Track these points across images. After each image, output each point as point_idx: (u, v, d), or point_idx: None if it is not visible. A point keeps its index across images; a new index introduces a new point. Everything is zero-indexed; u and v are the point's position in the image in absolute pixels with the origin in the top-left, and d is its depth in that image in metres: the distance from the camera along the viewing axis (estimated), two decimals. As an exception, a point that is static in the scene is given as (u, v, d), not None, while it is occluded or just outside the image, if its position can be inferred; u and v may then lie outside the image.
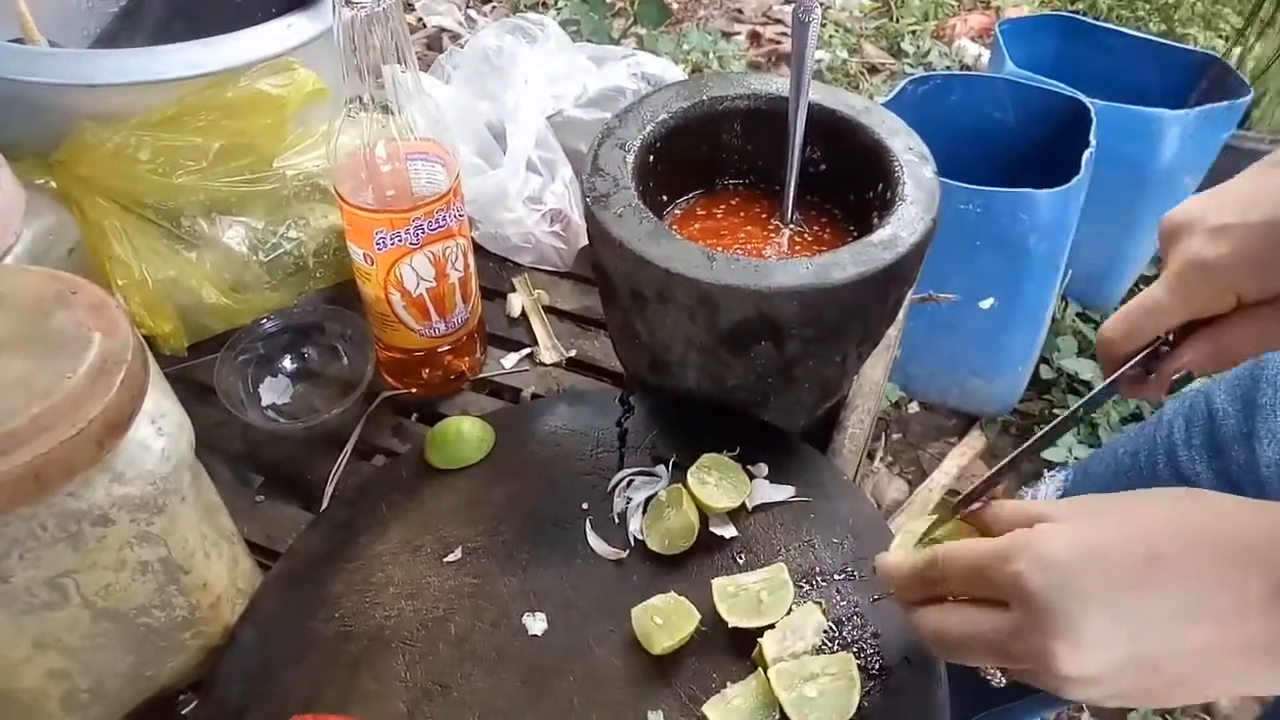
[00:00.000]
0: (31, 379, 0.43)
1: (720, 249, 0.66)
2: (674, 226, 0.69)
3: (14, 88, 0.62)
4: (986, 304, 1.46)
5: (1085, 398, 0.47)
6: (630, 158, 0.63)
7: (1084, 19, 1.77)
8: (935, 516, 0.47)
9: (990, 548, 0.39)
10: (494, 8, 2.55)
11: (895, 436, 1.69)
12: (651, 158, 0.66)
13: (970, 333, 1.52)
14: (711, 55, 2.23)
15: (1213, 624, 0.35)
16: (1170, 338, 0.48)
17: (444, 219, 0.65)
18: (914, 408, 1.73)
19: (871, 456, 1.64)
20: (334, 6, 0.57)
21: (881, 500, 1.59)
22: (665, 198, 0.70)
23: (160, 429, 0.48)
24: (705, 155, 0.70)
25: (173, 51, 0.64)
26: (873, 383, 0.74)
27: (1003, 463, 0.46)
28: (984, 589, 0.39)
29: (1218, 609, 0.35)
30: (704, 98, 0.68)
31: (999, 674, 0.40)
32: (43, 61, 0.64)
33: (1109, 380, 0.48)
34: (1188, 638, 0.35)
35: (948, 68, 2.30)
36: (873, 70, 2.39)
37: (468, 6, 2.53)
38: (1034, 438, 0.47)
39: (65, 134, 0.64)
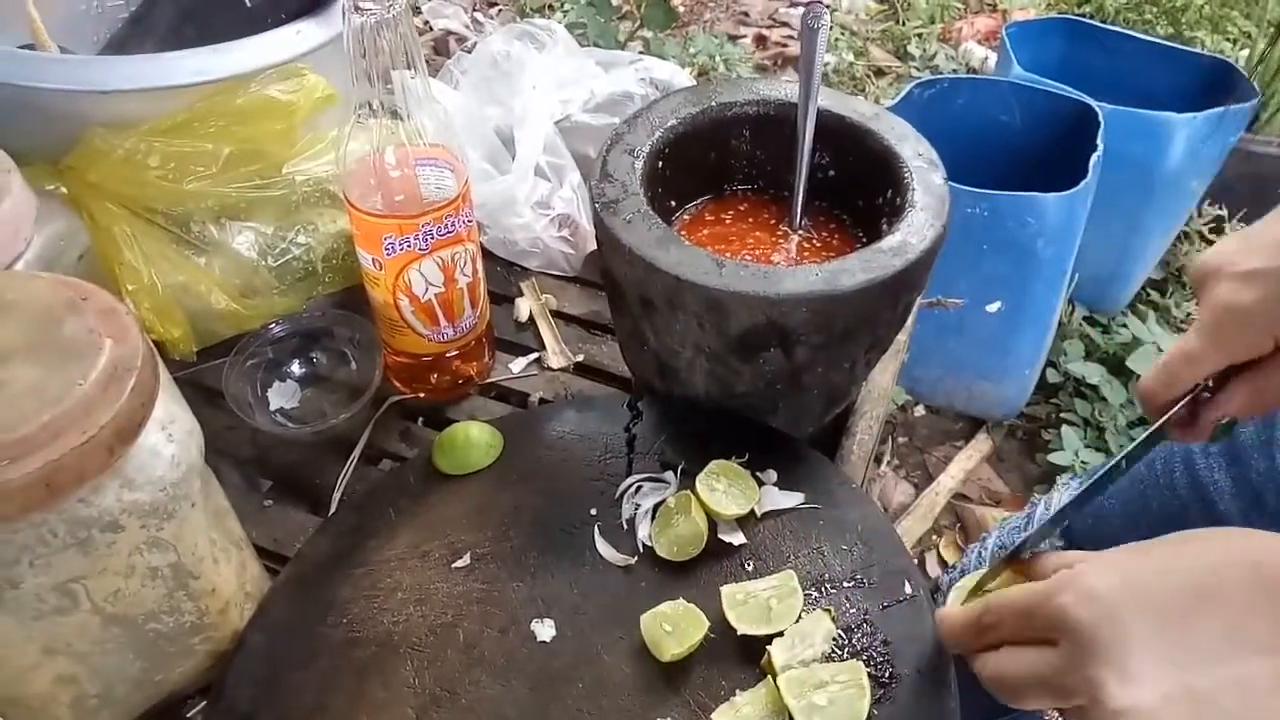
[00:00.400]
0: (43, 386, 0.43)
1: (729, 255, 0.66)
2: (683, 232, 0.69)
3: (25, 94, 0.63)
4: (993, 308, 1.46)
5: (1130, 446, 0.48)
6: (639, 164, 0.63)
7: (1091, 22, 1.76)
8: (986, 571, 0.48)
9: (1037, 588, 0.39)
10: (500, 11, 2.55)
11: (901, 440, 1.68)
12: (660, 163, 0.66)
13: (977, 336, 1.51)
14: (718, 58, 2.23)
15: (1267, 657, 0.34)
16: (1210, 384, 0.48)
17: (453, 224, 0.65)
18: (920, 411, 1.72)
19: (878, 460, 1.64)
20: (344, 13, 0.57)
21: (888, 504, 1.59)
22: (674, 203, 0.70)
23: (170, 435, 0.48)
24: (714, 161, 0.70)
25: (183, 58, 0.64)
26: (881, 388, 0.73)
27: (1051, 514, 0.47)
28: (1034, 629, 0.39)
29: (1270, 642, 0.34)
30: (712, 103, 0.68)
31: (1058, 717, 0.40)
32: (53, 68, 0.64)
33: (1155, 427, 0.48)
34: (1243, 669, 0.34)
35: (954, 71, 2.30)
36: (879, 73, 2.38)
37: (474, 10, 2.54)
38: (1077, 492, 0.47)
39: (76, 140, 0.64)
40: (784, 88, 0.68)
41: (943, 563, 1.48)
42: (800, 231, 0.68)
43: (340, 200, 0.71)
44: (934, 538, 1.53)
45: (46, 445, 0.42)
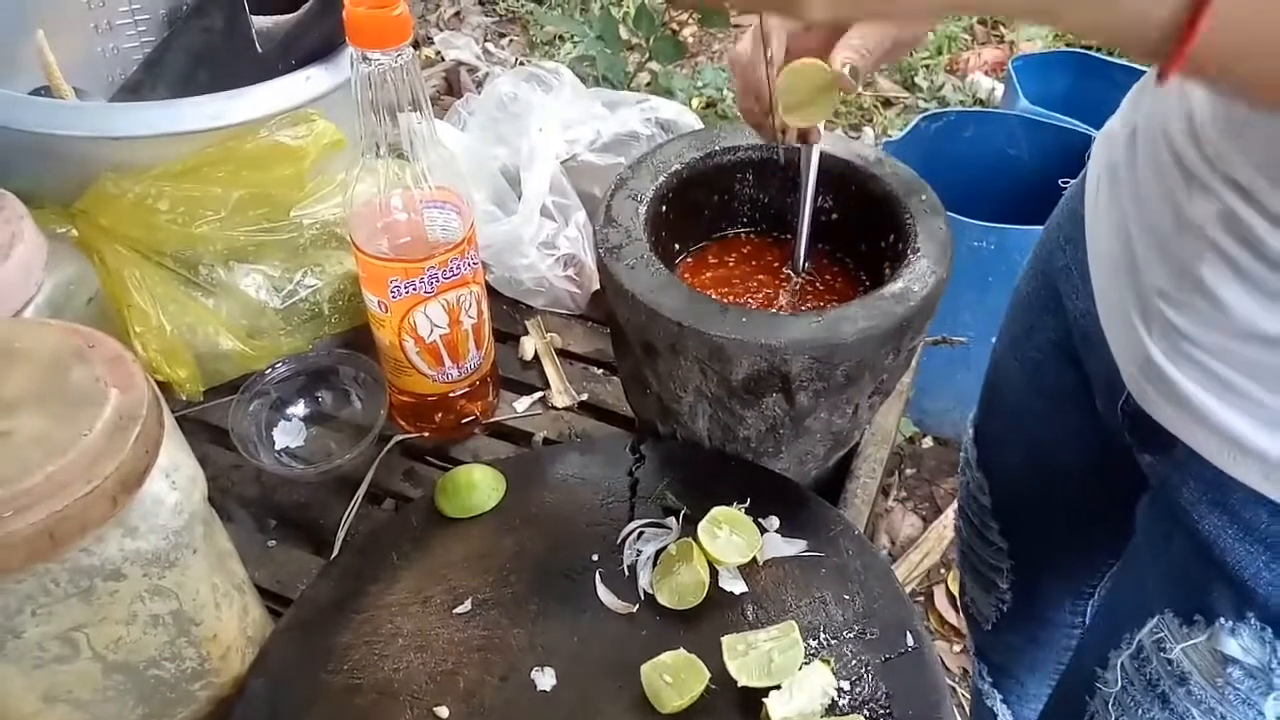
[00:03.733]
0: (48, 436, 0.43)
1: (732, 298, 0.66)
2: (686, 275, 0.69)
3: (38, 140, 0.64)
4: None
5: None
6: (643, 209, 0.63)
7: (1098, 55, 1.77)
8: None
9: None
10: (510, 41, 2.59)
11: (909, 472, 1.68)
12: (664, 208, 0.66)
13: (984, 369, 1.50)
14: (725, 91, 2.25)
15: None
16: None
17: (458, 267, 0.65)
18: (928, 443, 1.72)
19: (885, 493, 1.63)
20: (352, 61, 0.58)
21: (895, 537, 1.58)
22: (677, 246, 0.70)
23: (174, 483, 0.49)
24: (717, 204, 0.71)
25: (193, 104, 0.65)
26: (885, 431, 0.73)
27: None
28: None
29: None
30: (716, 148, 0.68)
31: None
32: (66, 114, 0.65)
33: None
34: None
35: (961, 102, 2.31)
36: (886, 104, 2.40)
37: (485, 40, 2.57)
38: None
39: (88, 184, 0.65)
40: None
41: (951, 597, 1.47)
42: (803, 275, 0.68)
43: (347, 242, 0.72)
44: (942, 571, 1.52)
45: (51, 496, 0.42)
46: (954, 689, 1.37)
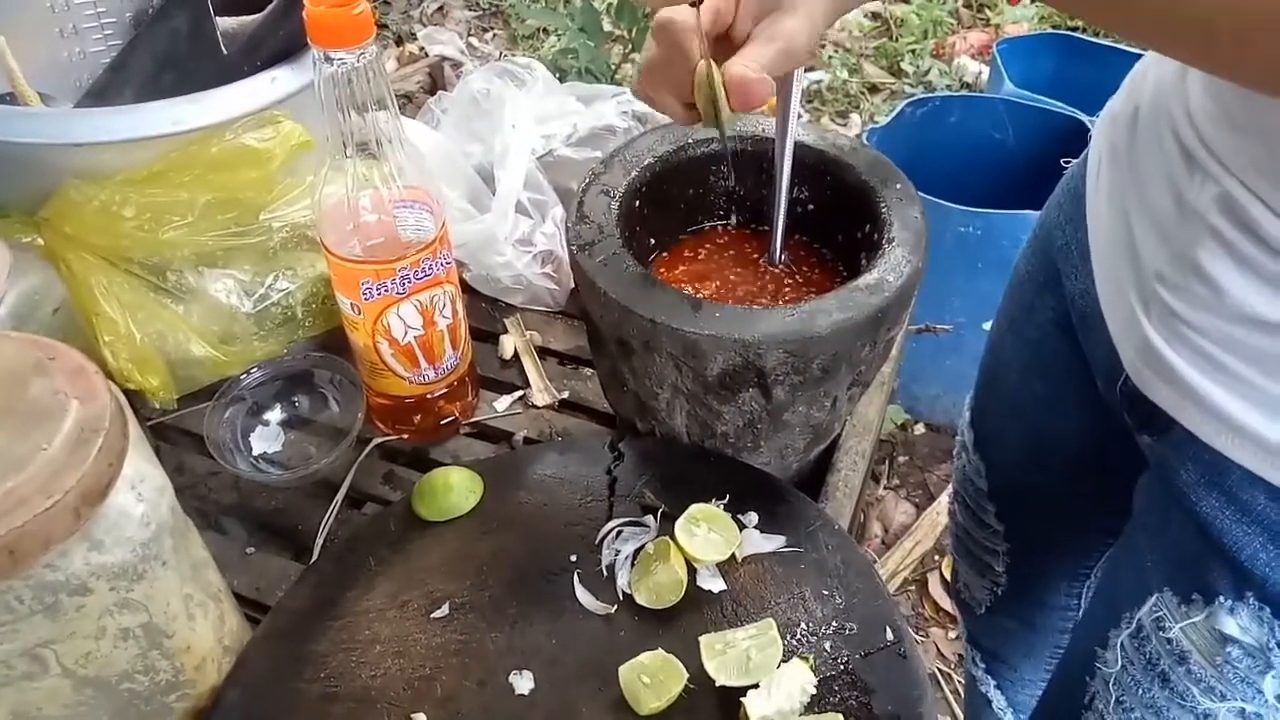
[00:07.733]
0: (6, 452, 0.43)
1: (708, 292, 0.66)
2: (662, 269, 0.68)
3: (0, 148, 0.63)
4: (989, 325, 1.45)
5: None
6: (615, 204, 0.63)
7: (1083, 37, 1.76)
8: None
9: None
10: (494, 36, 2.57)
11: (901, 459, 1.67)
12: (638, 202, 0.65)
13: (974, 354, 1.49)
14: (710, 80, 2.23)
15: None
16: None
17: (430, 268, 0.65)
18: (920, 429, 1.71)
19: (876, 479, 1.63)
20: (315, 61, 0.57)
21: (888, 525, 1.58)
22: (653, 240, 0.69)
23: (140, 494, 0.48)
24: (692, 197, 0.70)
25: (158, 109, 0.64)
26: (867, 421, 0.73)
27: None
28: None
29: None
30: (689, 140, 0.67)
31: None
32: (28, 122, 0.64)
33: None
34: None
35: (948, 86, 2.30)
36: (873, 90, 2.39)
37: (469, 35, 2.55)
38: None
39: (51, 192, 0.64)
40: (762, 123, 0.68)
41: (945, 583, 1.47)
42: (780, 266, 0.67)
43: (318, 244, 0.71)
44: (936, 558, 1.52)
45: (10, 512, 0.41)
46: (949, 675, 1.37)
